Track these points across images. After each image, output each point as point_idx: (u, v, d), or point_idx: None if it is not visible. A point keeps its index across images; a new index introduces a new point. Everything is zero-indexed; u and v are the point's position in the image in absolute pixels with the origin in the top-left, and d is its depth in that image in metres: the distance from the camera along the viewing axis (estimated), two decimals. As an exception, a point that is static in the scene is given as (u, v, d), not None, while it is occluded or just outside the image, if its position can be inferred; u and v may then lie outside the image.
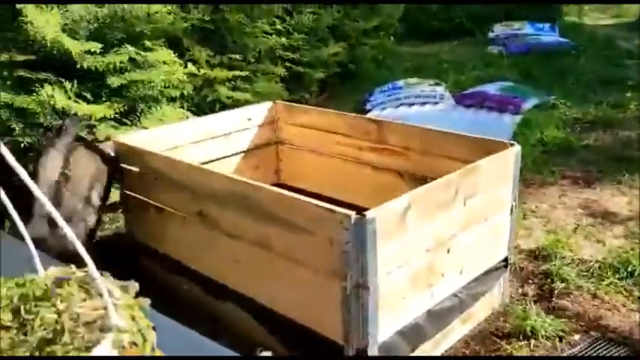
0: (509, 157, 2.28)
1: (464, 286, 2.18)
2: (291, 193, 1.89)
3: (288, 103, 3.26)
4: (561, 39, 6.95)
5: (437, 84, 5.73)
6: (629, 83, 5.42)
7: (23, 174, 0.64)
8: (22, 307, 0.64)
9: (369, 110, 5.54)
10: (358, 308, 1.77)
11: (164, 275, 2.50)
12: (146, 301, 0.70)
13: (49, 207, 0.67)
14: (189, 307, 2.35)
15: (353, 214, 1.70)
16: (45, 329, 0.62)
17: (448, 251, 2.05)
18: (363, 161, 2.86)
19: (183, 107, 3.57)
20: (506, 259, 2.40)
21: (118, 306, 0.64)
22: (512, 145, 2.30)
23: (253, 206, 1.98)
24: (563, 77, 5.58)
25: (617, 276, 2.54)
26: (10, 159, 0.65)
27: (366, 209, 1.83)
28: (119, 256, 2.74)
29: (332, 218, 1.73)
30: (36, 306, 0.64)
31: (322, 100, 5.63)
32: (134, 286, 0.72)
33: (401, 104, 5.56)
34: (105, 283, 0.65)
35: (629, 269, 2.55)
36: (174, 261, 2.44)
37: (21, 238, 0.74)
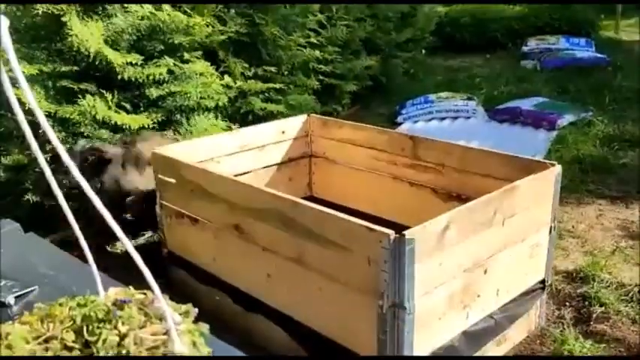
0: (550, 178, 2.24)
1: (500, 308, 2.15)
2: (329, 210, 1.89)
3: (322, 116, 3.26)
4: (598, 54, 6.84)
5: (469, 98, 5.68)
6: (668, 101, 5.30)
7: (87, 188, 0.66)
8: (84, 328, 0.65)
9: (401, 123, 5.53)
10: (394, 328, 1.76)
11: (196, 286, 2.52)
12: (205, 327, 0.70)
13: (111, 222, 0.68)
14: (220, 319, 2.36)
15: (392, 233, 1.69)
16: (108, 352, 0.62)
17: (485, 272, 2.03)
18: (396, 176, 2.85)
19: (217, 118, 3.61)
20: (543, 281, 2.36)
21: (180, 331, 0.65)
22: (552, 165, 2.27)
23: (290, 221, 1.98)
24: (599, 93, 5.48)
25: (658, 301, 2.48)
26: (76, 173, 0.66)
27: (400, 225, 1.82)
28: (152, 266, 2.78)
29: (370, 236, 1.72)
30: (98, 327, 0.65)
31: (354, 112, 5.64)
32: (194, 311, 0.72)
33: (432, 118, 5.54)
34: (167, 307, 0.65)
35: (671, 295, 2.48)
36: (207, 273, 2.46)
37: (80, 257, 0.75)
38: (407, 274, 1.70)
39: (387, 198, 2.90)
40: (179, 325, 0.67)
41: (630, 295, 2.54)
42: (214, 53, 3.78)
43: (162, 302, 0.65)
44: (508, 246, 2.10)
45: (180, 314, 0.70)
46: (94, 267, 0.72)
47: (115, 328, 0.65)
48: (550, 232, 2.31)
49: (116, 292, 0.73)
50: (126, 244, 0.64)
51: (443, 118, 5.51)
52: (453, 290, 1.91)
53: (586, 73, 6.19)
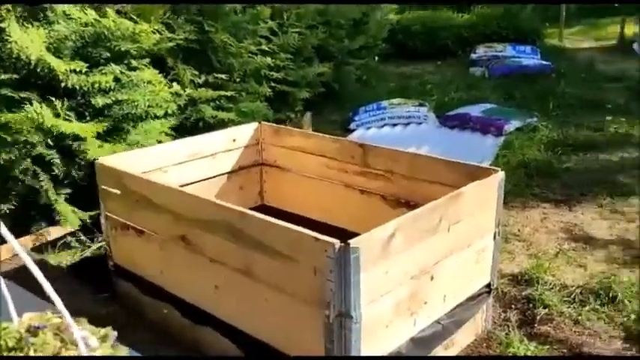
0: (493, 184, 2.29)
1: (447, 313, 2.18)
2: (276, 220, 1.88)
3: (273, 124, 3.25)
4: (543, 62, 7.06)
5: (421, 104, 5.78)
6: (609, 106, 5.51)
7: None
8: (-6, 358, 0.62)
9: (354, 130, 5.57)
10: (341, 337, 1.76)
11: (143, 299, 2.46)
12: (124, 350, 0.68)
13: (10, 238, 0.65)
14: (168, 332, 2.32)
15: (337, 242, 1.69)
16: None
17: (432, 278, 2.05)
18: (347, 184, 2.87)
19: (166, 126, 3.54)
20: (489, 285, 2.41)
21: (95, 358, 0.62)
22: (496, 171, 2.32)
23: (238, 232, 1.96)
24: (544, 100, 5.66)
25: (599, 302, 2.56)
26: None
27: (351, 233, 1.83)
28: (98, 278, 2.70)
29: (316, 246, 1.72)
30: (8, 356, 0.61)
31: (307, 119, 5.64)
32: (112, 334, 0.70)
33: (385, 124, 5.61)
34: (81, 332, 0.63)
35: (611, 295, 2.57)
36: (154, 285, 2.41)
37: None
38: (353, 282, 1.71)
39: (339, 206, 2.90)
40: (96, 350, 0.64)
41: (572, 296, 2.62)
42: (163, 61, 3.72)
43: (75, 328, 0.62)
44: (454, 252, 2.14)
45: (98, 338, 0.68)
46: (5, 290, 0.69)
47: (27, 356, 0.62)
48: (495, 237, 2.36)
49: (31, 317, 0.70)
50: (25, 260, 0.62)
51: (395, 125, 5.59)
52: (399, 298, 1.93)
53: (531, 80, 6.39)
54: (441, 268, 2.09)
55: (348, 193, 2.87)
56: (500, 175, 2.30)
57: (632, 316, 2.44)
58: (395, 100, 5.97)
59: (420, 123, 5.56)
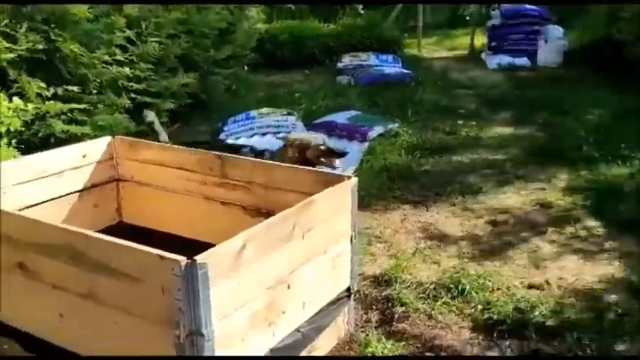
0: (347, 190, 2.35)
1: (307, 320, 2.20)
2: (121, 241, 1.78)
3: (128, 137, 3.11)
4: (404, 70, 7.46)
5: (289, 113, 5.85)
6: (461, 111, 5.93)
7: None
8: None
9: (224, 140, 5.51)
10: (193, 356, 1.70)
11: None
12: None
13: None
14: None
15: (183, 259, 1.64)
16: None
17: (289, 287, 2.06)
18: (208, 196, 2.81)
19: (10, 145, 3.27)
20: (349, 289, 2.47)
21: None
22: (349, 178, 2.38)
23: (80, 256, 1.84)
24: (404, 106, 5.97)
25: (450, 295, 2.72)
26: None
27: (214, 245, 1.78)
28: None
29: (162, 265, 1.66)
30: None
31: (174, 131, 5.50)
32: None
33: (254, 134, 5.59)
34: None
35: (460, 288, 2.75)
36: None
37: None
38: (202, 299, 1.66)
39: (201, 219, 2.84)
40: None
41: (427, 292, 2.76)
42: (4, 73, 3.43)
43: None
44: (310, 259, 2.16)
45: None
46: None
47: None
48: (351, 240, 2.42)
49: None
50: None
51: (264, 134, 5.59)
52: (255, 309, 1.91)
53: (393, 88, 6.73)
54: (298, 276, 2.10)
55: (209, 205, 2.81)
56: (353, 181, 2.37)
57: (479, 307, 2.62)
58: (264, 110, 5.98)
59: (289, 131, 5.61)
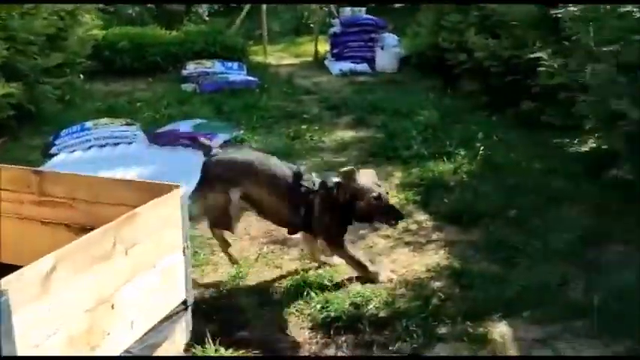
0: (175, 200, 2.28)
1: (138, 340, 2.09)
2: None
3: None
4: (249, 77, 7.47)
5: (129, 123, 5.60)
6: (305, 116, 6.08)
7: None
8: None
9: (56, 154, 5.12)
10: (-2, 394, 1.54)
11: None
12: None
13: None
14: None
15: (-23, 288, 1.47)
16: None
17: (112, 307, 1.95)
18: (25, 216, 2.57)
19: None
20: (185, 302, 2.39)
21: None
22: (177, 187, 2.31)
23: None
24: (249, 113, 5.98)
25: (290, 297, 2.77)
26: None
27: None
28: None
29: (-49, 297, 1.48)
30: None
31: (0, 146, 5.01)
32: None
33: (92, 146, 5.28)
34: None
35: (299, 290, 2.80)
36: None
37: None
38: (4, 330, 1.51)
39: (18, 241, 2.59)
40: None
41: (269, 297, 2.78)
42: None
43: None
44: (137, 275, 2.06)
45: None
46: None
47: None
48: (184, 252, 2.35)
49: None
50: None
51: (103, 146, 5.30)
52: (73, 334, 1.77)
53: (239, 95, 6.72)
54: (123, 294, 1.99)
55: (27, 226, 2.57)
56: (181, 190, 2.31)
57: (318, 306, 2.69)
58: (102, 120, 5.67)
59: (130, 142, 5.37)
